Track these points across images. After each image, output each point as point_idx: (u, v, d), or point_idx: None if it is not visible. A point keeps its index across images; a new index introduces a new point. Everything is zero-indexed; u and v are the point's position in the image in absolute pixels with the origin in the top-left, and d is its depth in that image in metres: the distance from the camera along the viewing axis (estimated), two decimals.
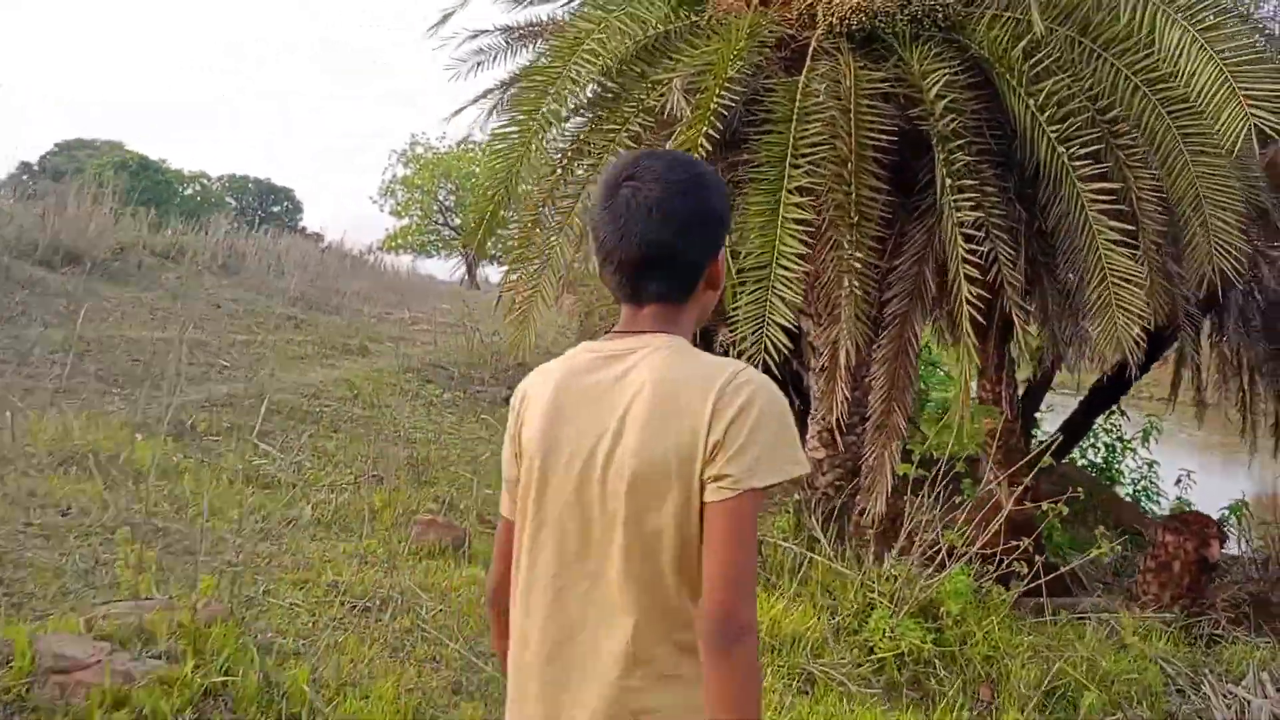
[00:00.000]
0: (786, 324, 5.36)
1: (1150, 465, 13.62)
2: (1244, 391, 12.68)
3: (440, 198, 39.07)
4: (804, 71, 5.97)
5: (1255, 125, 5.45)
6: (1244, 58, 5.66)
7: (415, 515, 6.27)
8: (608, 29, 6.35)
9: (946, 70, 5.79)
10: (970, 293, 5.43)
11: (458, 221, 37.79)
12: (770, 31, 6.14)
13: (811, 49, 6.12)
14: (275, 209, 55.14)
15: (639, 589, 1.62)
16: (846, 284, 5.73)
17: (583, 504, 1.66)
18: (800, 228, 5.50)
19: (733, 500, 1.57)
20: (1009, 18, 6.02)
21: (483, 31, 8.70)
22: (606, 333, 1.77)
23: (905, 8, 6.07)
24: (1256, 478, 16.87)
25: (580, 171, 6.74)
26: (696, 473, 1.58)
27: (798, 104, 5.80)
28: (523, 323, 6.81)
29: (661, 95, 6.14)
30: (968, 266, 5.45)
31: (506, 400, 11.90)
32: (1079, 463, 14.60)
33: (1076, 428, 14.06)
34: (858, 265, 5.62)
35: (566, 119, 6.99)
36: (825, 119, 5.71)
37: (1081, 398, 13.66)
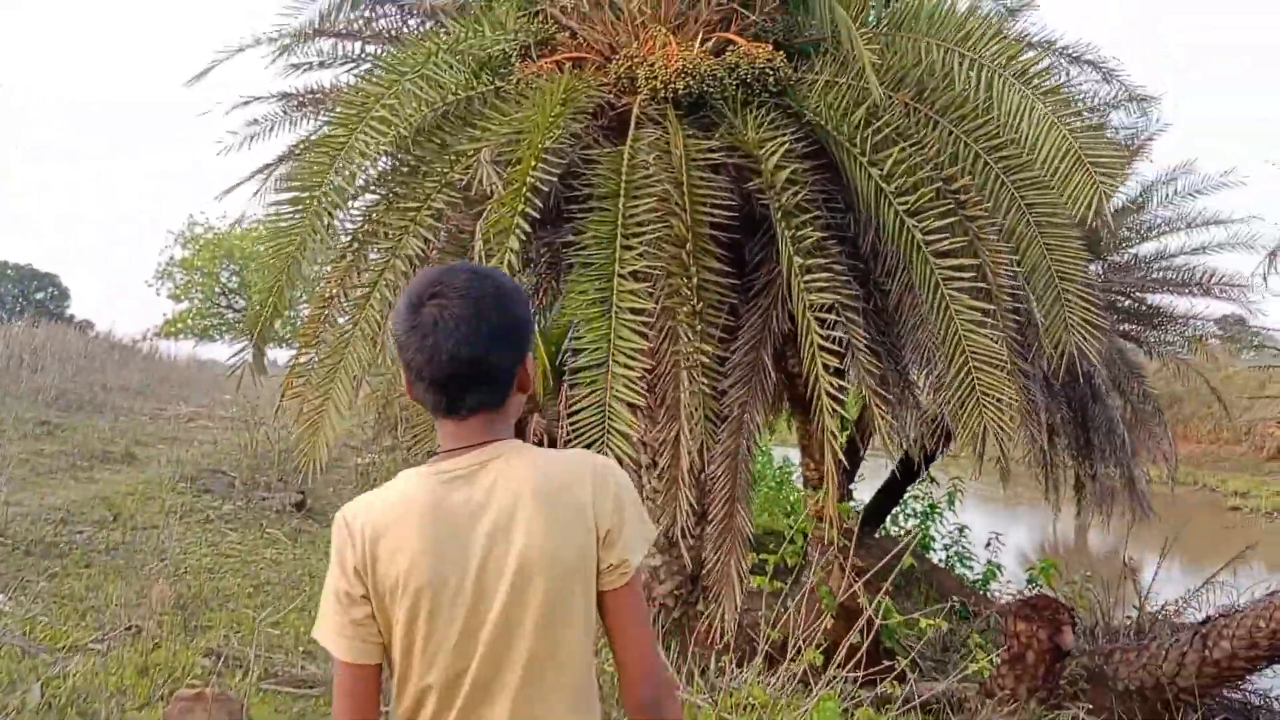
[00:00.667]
0: (630, 430, 4.53)
1: (961, 530, 13.54)
2: (1044, 452, 12.73)
3: (223, 279, 36.47)
4: (628, 141, 5.23)
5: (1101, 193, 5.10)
6: (1083, 123, 5.31)
7: (181, 681, 5.01)
8: (400, 94, 5.44)
9: (784, 138, 5.18)
10: (830, 384, 4.76)
11: (243, 304, 35.35)
12: (588, 97, 5.38)
13: (635, 116, 5.40)
14: (39, 296, 50.68)
15: (557, 693, 1.69)
16: (689, 380, 4.96)
17: (486, 628, 1.66)
18: (637, 319, 4.71)
19: (630, 581, 1.73)
20: (844, 84, 5.48)
21: (256, 98, 7.61)
22: (433, 455, 1.77)
23: (733, 71, 5.44)
24: (1059, 530, 17.28)
25: (375, 256, 5.76)
26: (595, 566, 1.69)
27: (624, 177, 5.04)
28: (313, 433, 5.72)
29: (467, 168, 5.27)
30: (825, 355, 4.78)
31: (298, 507, 10.39)
32: (891, 532, 14.44)
33: (891, 495, 13.90)
34: (704, 359, 4.87)
35: (355, 196, 6.01)
36: (657, 193, 4.97)
37: (893, 466, 13.54)
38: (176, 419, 16.27)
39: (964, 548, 13.51)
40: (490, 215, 4.92)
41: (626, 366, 4.61)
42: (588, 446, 4.63)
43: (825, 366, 4.76)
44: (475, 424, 1.71)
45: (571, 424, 4.62)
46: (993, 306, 4.98)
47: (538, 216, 4.89)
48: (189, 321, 36.68)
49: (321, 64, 7.20)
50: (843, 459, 8.86)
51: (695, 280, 4.90)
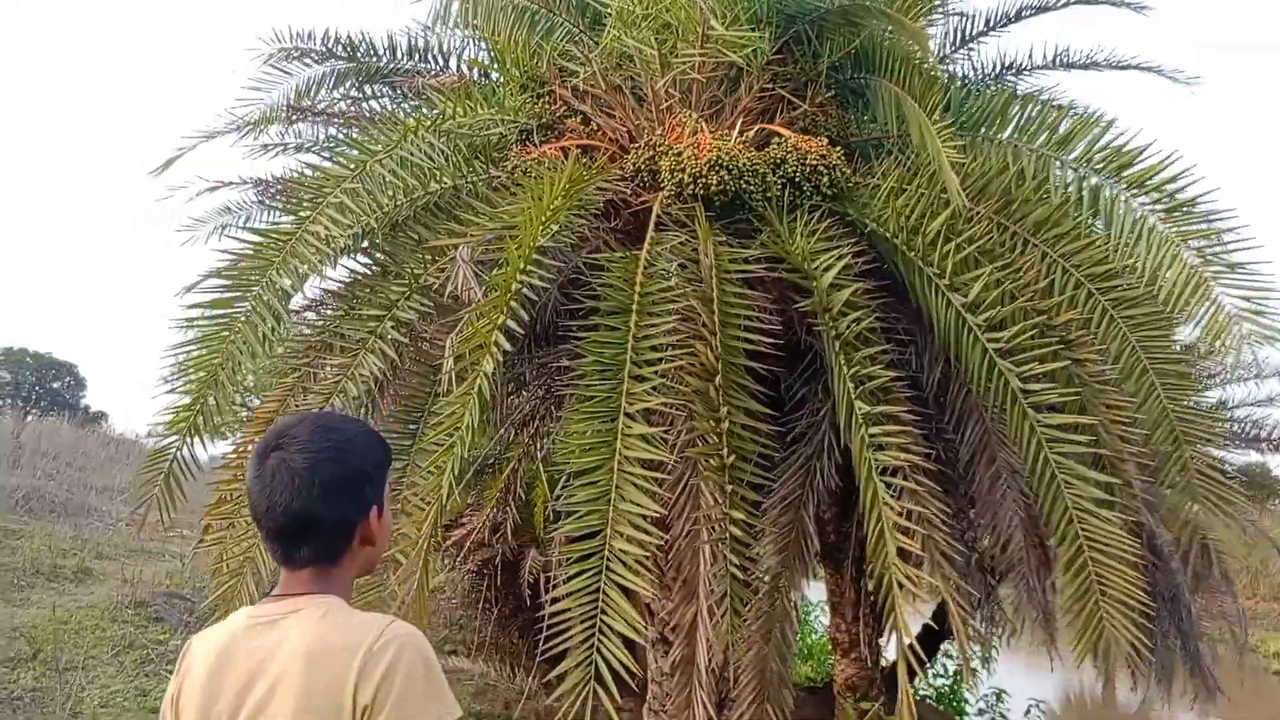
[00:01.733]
0: (630, 631, 3.25)
1: (999, 696, 12.01)
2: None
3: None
4: (645, 245, 4.09)
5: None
6: (1214, 246, 4.16)
7: None
8: (369, 178, 4.33)
9: (843, 252, 4.03)
10: (905, 575, 3.47)
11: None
12: (598, 189, 4.26)
13: (655, 215, 4.27)
14: (55, 384, 49.86)
15: None
16: (715, 554, 3.70)
17: None
18: (648, 474, 3.48)
19: None
20: (915, 190, 4.34)
21: (226, 184, 6.57)
22: (265, 595, 1.76)
23: (779, 167, 4.33)
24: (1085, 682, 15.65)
25: (329, 371, 4.57)
26: None
27: (639, 288, 3.87)
28: (234, 583, 4.47)
29: (443, 269, 4.13)
30: (901, 538, 3.51)
31: None
32: (919, 689, 12.92)
33: (924, 653, 12.42)
34: (735, 530, 3.60)
35: (313, 307, 4.89)
36: (680, 311, 3.80)
37: (926, 620, 12.12)
38: (151, 527, 14.95)
39: (1001, 716, 11.94)
40: (466, 328, 3.74)
41: (631, 540, 3.36)
42: (579, 643, 3.36)
43: (902, 553, 3.48)
44: (304, 575, 1.73)
45: (552, 616, 3.35)
46: (1116, 480, 3.72)
47: (524, 332, 3.72)
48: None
49: (298, 147, 6.17)
50: (875, 618, 7.59)
51: (725, 425, 3.68)
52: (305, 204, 4.26)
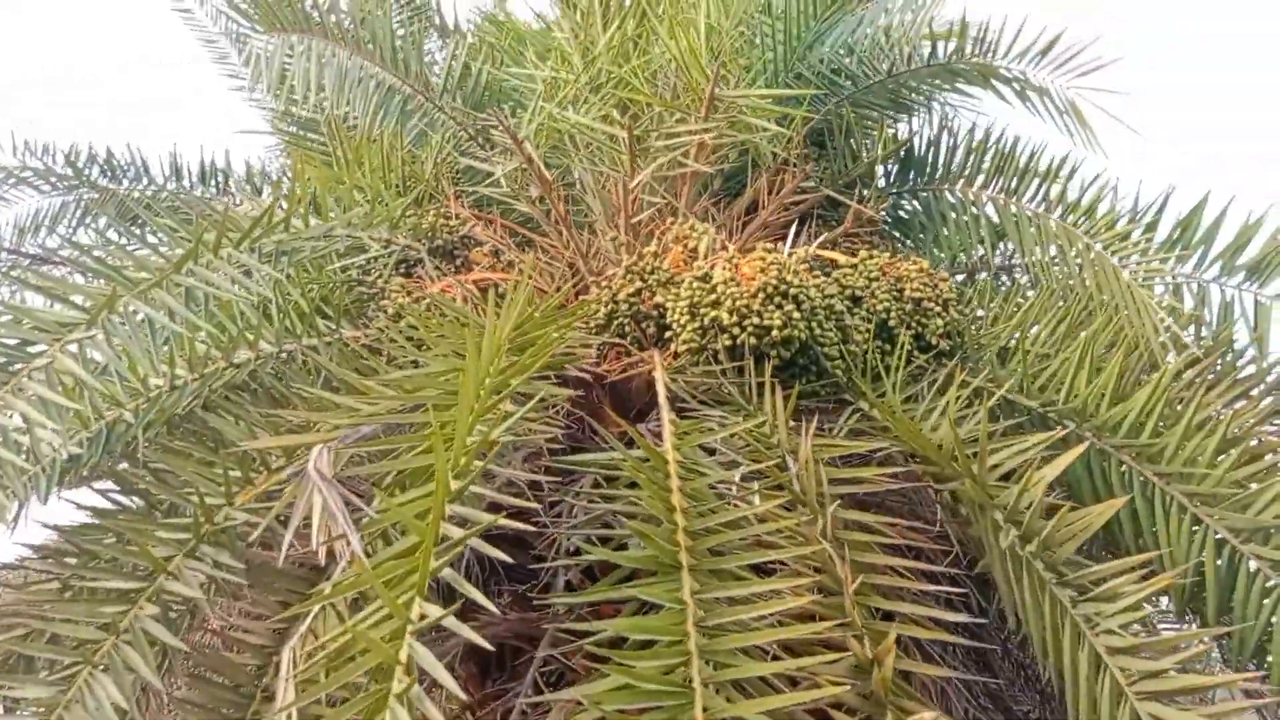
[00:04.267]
0: None
1: None
2: None
3: None
4: (667, 437, 2.13)
5: None
6: None
7: None
8: (119, 330, 2.20)
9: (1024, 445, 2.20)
10: None
11: None
12: (569, 347, 2.29)
13: (661, 385, 2.34)
14: None
15: None
16: None
17: None
18: None
19: None
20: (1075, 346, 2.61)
21: None
22: None
23: (857, 304, 2.53)
24: None
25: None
26: None
27: (682, 522, 1.89)
28: None
29: (273, 495, 2.01)
30: None
31: None
32: None
33: None
34: None
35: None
36: (784, 566, 1.84)
37: None
38: None
39: None
40: (329, 637, 1.62)
41: None
42: None
43: None
44: None
45: None
46: None
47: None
48: None
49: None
50: None
51: None
52: None
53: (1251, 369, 2.63)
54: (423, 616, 1.59)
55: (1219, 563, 2.15)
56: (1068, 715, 1.89)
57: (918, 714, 1.74)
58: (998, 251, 3.17)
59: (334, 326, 2.78)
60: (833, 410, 2.48)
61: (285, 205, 2.73)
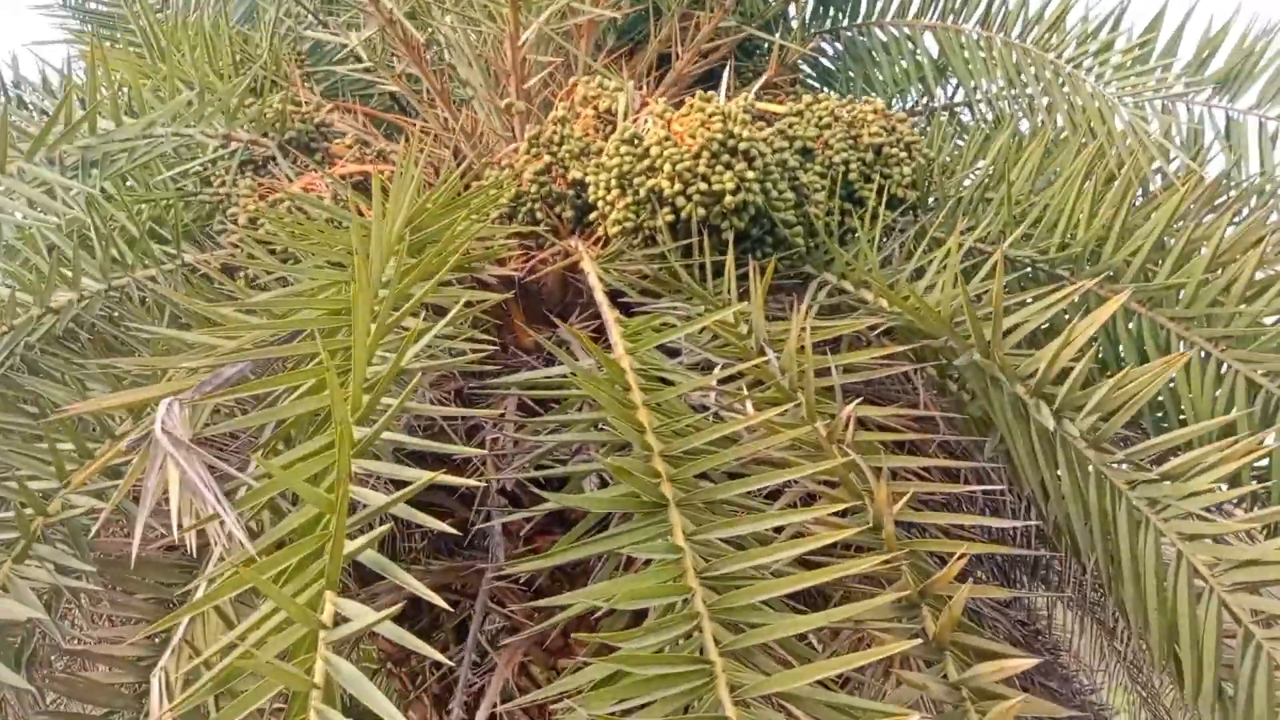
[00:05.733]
0: None
1: None
2: None
3: None
4: (618, 341, 1.70)
5: None
6: None
7: None
8: None
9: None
10: None
11: None
12: (481, 237, 1.82)
13: (594, 276, 1.90)
14: None
15: None
16: None
17: None
18: None
19: None
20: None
21: None
22: None
23: (808, 157, 2.12)
24: None
25: None
26: None
27: (660, 450, 1.48)
28: None
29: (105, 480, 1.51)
30: None
31: None
32: None
33: None
34: None
35: None
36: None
37: None
38: None
39: None
40: (219, 666, 1.18)
41: None
42: None
43: None
44: None
45: None
46: None
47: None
48: None
49: None
50: None
51: None
52: None
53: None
54: (339, 619, 1.15)
55: None
56: (1127, 623, 1.58)
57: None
58: (937, 91, 2.79)
59: (173, 252, 2.23)
60: (791, 290, 2.09)
61: (86, 103, 2.13)
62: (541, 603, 1.38)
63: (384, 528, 1.16)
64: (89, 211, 2.11)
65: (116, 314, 2.14)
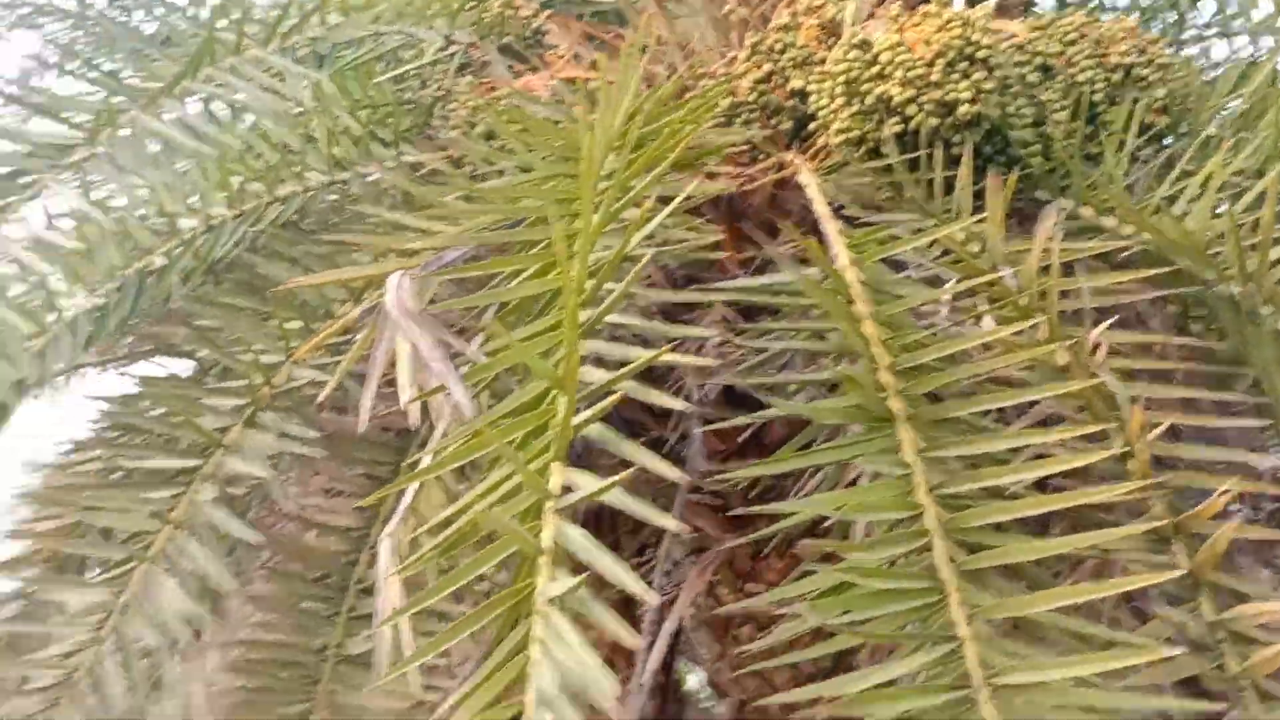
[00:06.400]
0: None
1: None
2: None
3: None
4: (842, 260, 1.63)
5: None
6: None
7: None
8: (124, 153, 1.72)
9: None
10: None
11: None
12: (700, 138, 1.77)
13: (817, 196, 1.81)
14: None
15: None
16: None
17: None
18: None
19: None
20: None
21: None
22: None
23: (1048, 73, 1.97)
24: None
25: None
26: None
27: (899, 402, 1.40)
28: None
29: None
30: None
31: None
32: None
33: None
34: None
35: None
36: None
37: None
38: None
39: None
40: (443, 535, 1.18)
41: None
42: None
43: None
44: None
45: None
46: None
47: None
48: None
49: None
50: None
51: None
52: None
53: None
54: (566, 488, 1.13)
55: None
56: None
57: None
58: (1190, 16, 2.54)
59: (396, 154, 2.27)
60: (1024, 212, 1.95)
61: None
62: (766, 508, 1.31)
63: (612, 397, 1.14)
64: (315, 105, 2.17)
65: (341, 207, 2.20)
